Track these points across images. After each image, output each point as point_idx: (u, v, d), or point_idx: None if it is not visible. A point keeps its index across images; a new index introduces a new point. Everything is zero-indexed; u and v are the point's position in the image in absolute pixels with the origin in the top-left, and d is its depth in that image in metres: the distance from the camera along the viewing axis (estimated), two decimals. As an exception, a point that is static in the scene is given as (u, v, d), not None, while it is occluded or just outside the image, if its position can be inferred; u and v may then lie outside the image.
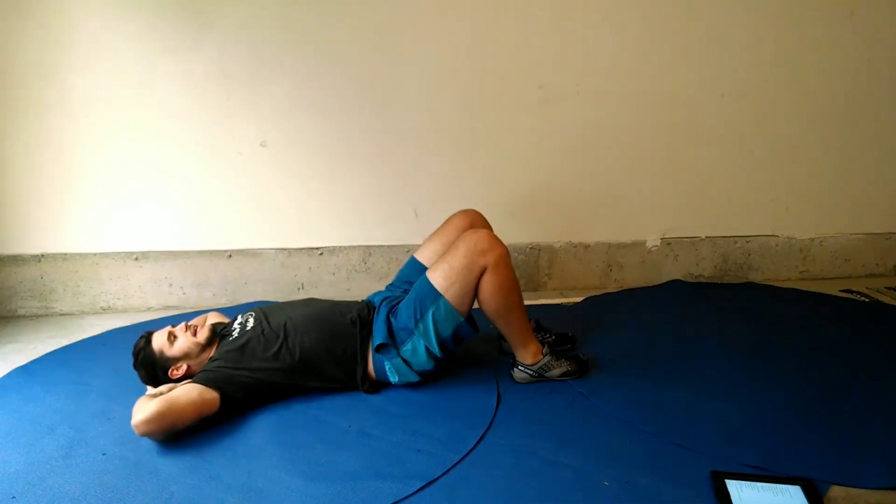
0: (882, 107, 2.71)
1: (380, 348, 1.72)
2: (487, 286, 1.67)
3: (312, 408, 1.67)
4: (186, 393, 1.53)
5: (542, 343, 1.85)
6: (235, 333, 1.74)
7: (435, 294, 1.68)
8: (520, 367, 1.82)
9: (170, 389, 1.61)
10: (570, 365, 1.82)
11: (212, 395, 1.56)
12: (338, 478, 1.36)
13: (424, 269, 1.83)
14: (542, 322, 2.05)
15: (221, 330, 1.81)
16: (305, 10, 2.33)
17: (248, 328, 1.74)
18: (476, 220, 1.96)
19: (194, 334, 1.73)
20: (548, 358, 1.81)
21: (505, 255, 1.68)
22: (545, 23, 2.45)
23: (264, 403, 1.68)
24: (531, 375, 1.81)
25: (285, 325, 1.74)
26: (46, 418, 1.63)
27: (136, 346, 1.71)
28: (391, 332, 1.73)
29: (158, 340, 1.71)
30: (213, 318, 2.00)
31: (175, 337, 1.72)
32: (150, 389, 1.65)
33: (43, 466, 1.42)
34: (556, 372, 1.81)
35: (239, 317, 1.84)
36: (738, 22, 2.53)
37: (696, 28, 2.53)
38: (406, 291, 1.83)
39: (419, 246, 2.00)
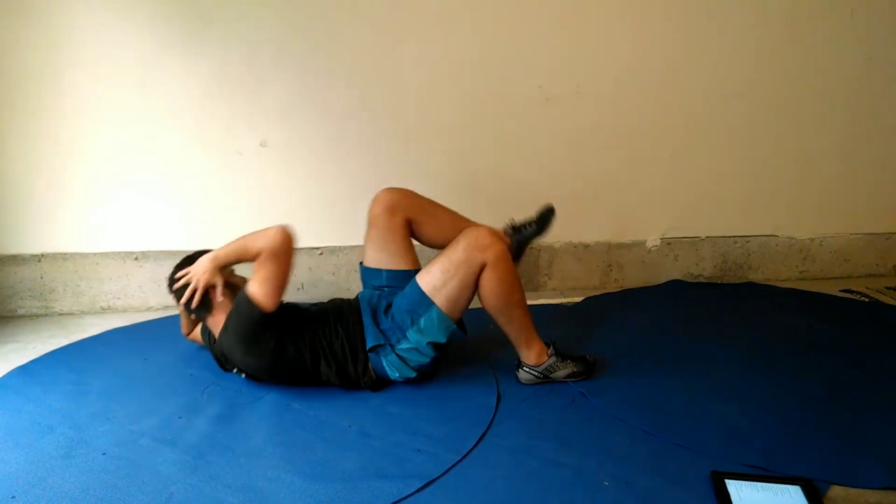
0: (882, 107, 2.70)
1: (373, 349, 1.71)
2: (487, 282, 1.66)
3: (312, 408, 1.67)
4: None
5: (548, 344, 1.84)
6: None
7: (427, 302, 1.67)
8: (525, 367, 1.80)
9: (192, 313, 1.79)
10: (576, 366, 1.80)
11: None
12: (338, 478, 1.36)
13: (378, 272, 1.84)
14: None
15: None
16: (306, 11, 2.33)
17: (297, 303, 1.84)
18: (398, 200, 1.87)
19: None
20: (553, 359, 1.79)
21: (505, 251, 1.67)
22: (545, 23, 2.45)
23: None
24: (536, 376, 1.80)
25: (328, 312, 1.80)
26: (46, 418, 1.63)
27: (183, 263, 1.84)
28: (383, 333, 1.71)
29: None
30: None
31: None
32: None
33: (43, 466, 1.41)
34: (562, 373, 1.79)
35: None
36: (737, 22, 2.53)
37: (696, 28, 2.53)
38: (382, 288, 1.83)
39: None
